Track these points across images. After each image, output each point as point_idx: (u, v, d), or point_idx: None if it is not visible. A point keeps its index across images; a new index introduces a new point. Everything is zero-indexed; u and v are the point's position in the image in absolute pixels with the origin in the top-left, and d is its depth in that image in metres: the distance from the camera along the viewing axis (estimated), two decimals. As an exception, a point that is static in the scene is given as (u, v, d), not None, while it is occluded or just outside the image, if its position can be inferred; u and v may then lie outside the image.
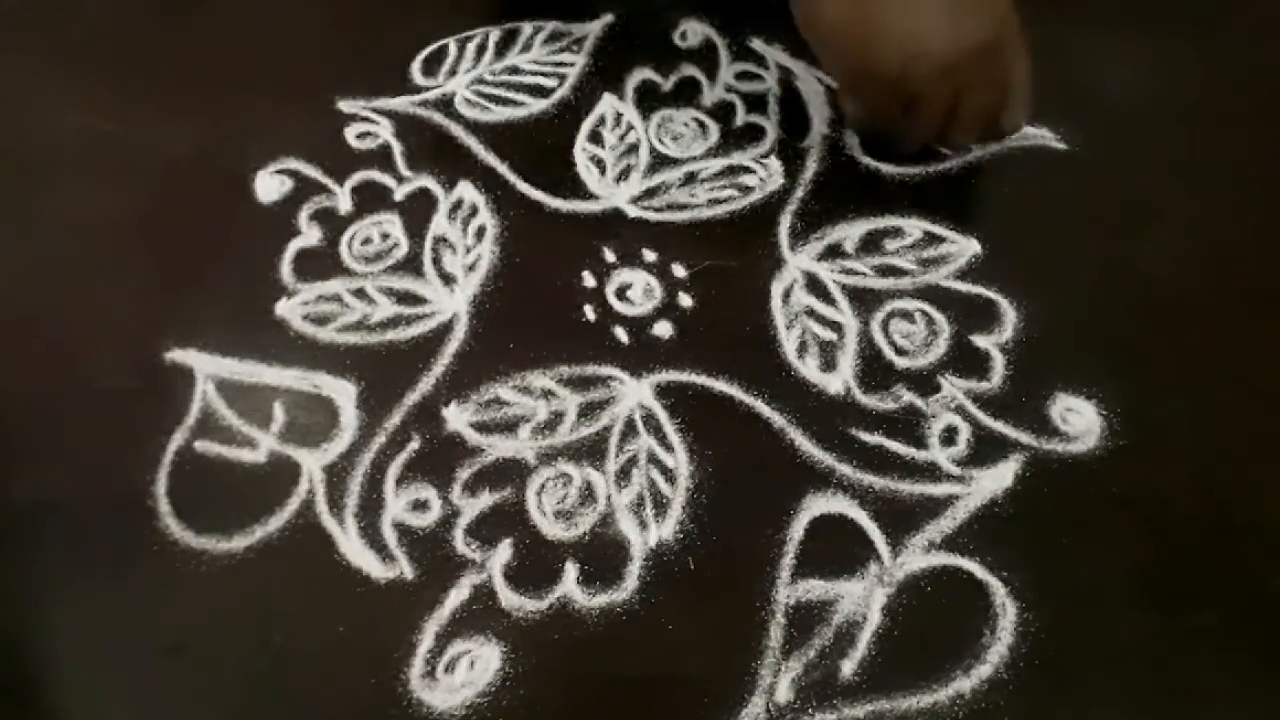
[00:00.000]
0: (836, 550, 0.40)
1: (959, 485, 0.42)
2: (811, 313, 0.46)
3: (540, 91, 0.54)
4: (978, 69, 0.44)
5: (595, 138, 0.52)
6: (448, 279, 0.48)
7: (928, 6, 0.43)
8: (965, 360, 0.45)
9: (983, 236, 0.48)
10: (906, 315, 0.46)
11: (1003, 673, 0.37)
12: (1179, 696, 0.38)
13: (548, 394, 0.44)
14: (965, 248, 0.48)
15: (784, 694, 0.37)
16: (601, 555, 0.40)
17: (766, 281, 0.47)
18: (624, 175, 0.51)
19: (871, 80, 0.45)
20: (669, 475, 0.42)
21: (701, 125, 0.53)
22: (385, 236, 0.49)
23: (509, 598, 0.39)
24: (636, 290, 0.47)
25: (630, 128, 0.53)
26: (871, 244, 0.48)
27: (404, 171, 0.51)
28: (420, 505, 0.41)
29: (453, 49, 0.56)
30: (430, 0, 0.58)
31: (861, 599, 0.39)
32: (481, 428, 0.43)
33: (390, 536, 0.41)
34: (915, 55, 0.43)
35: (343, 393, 0.44)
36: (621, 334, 0.46)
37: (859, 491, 0.41)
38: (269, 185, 0.50)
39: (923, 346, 0.45)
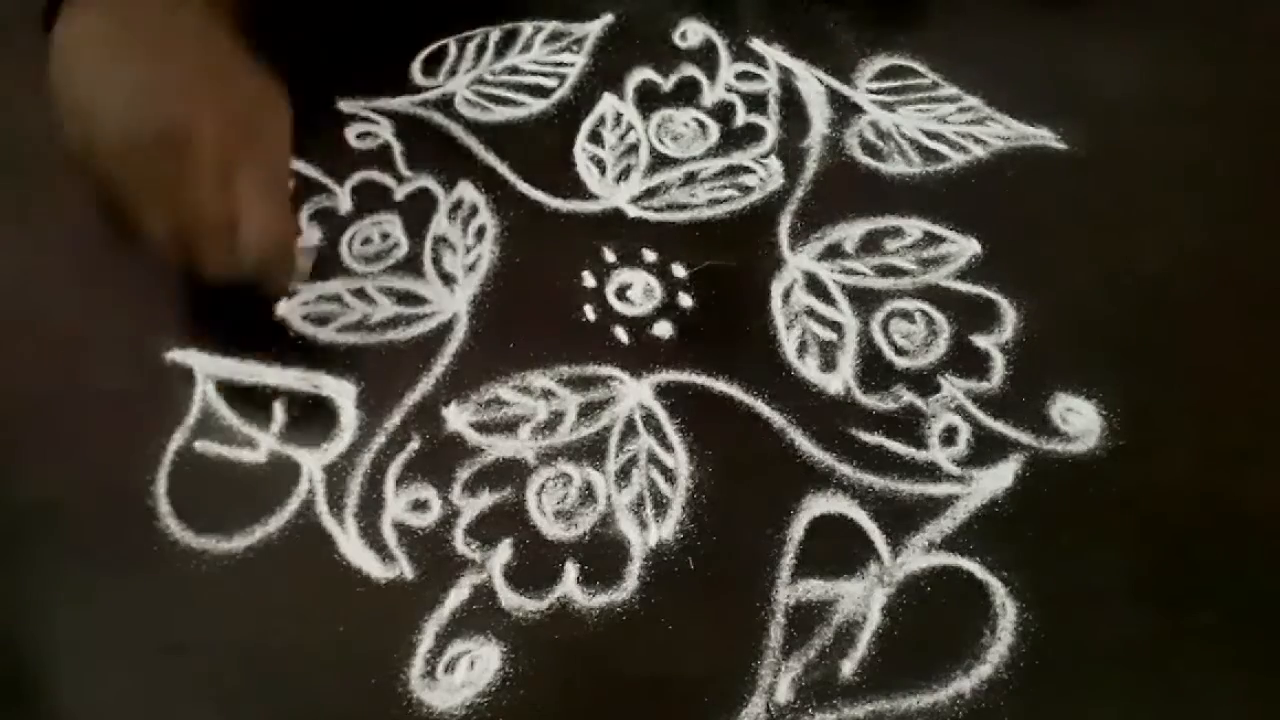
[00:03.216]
0: (836, 550, 0.40)
1: (959, 485, 0.42)
2: (811, 313, 0.46)
3: (540, 91, 0.54)
4: (154, 167, 0.37)
5: (595, 138, 0.52)
6: (448, 279, 0.48)
7: (117, 80, 0.38)
8: (965, 360, 0.45)
9: (983, 236, 0.48)
10: (906, 315, 0.46)
11: (1003, 673, 0.37)
12: (1179, 696, 0.38)
13: (548, 394, 0.44)
14: (965, 248, 0.48)
15: (784, 694, 0.37)
16: (601, 555, 0.40)
17: (766, 281, 0.47)
18: (624, 175, 0.51)
19: (68, 153, 0.39)
20: (669, 475, 0.42)
21: (701, 125, 0.53)
22: (385, 236, 0.49)
23: (509, 598, 0.39)
24: (636, 290, 0.47)
25: (630, 128, 0.53)
26: (871, 244, 0.48)
27: (404, 171, 0.51)
28: (420, 505, 0.41)
29: (453, 49, 0.56)
30: (430, 0, 0.58)
31: (861, 599, 0.39)
32: (481, 428, 0.43)
33: (390, 536, 0.41)
34: (89, 132, 0.38)
35: (343, 393, 0.44)
36: (621, 334, 0.46)
37: (859, 491, 0.41)
38: (269, 185, 0.50)
39: (923, 346, 0.45)
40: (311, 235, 0.48)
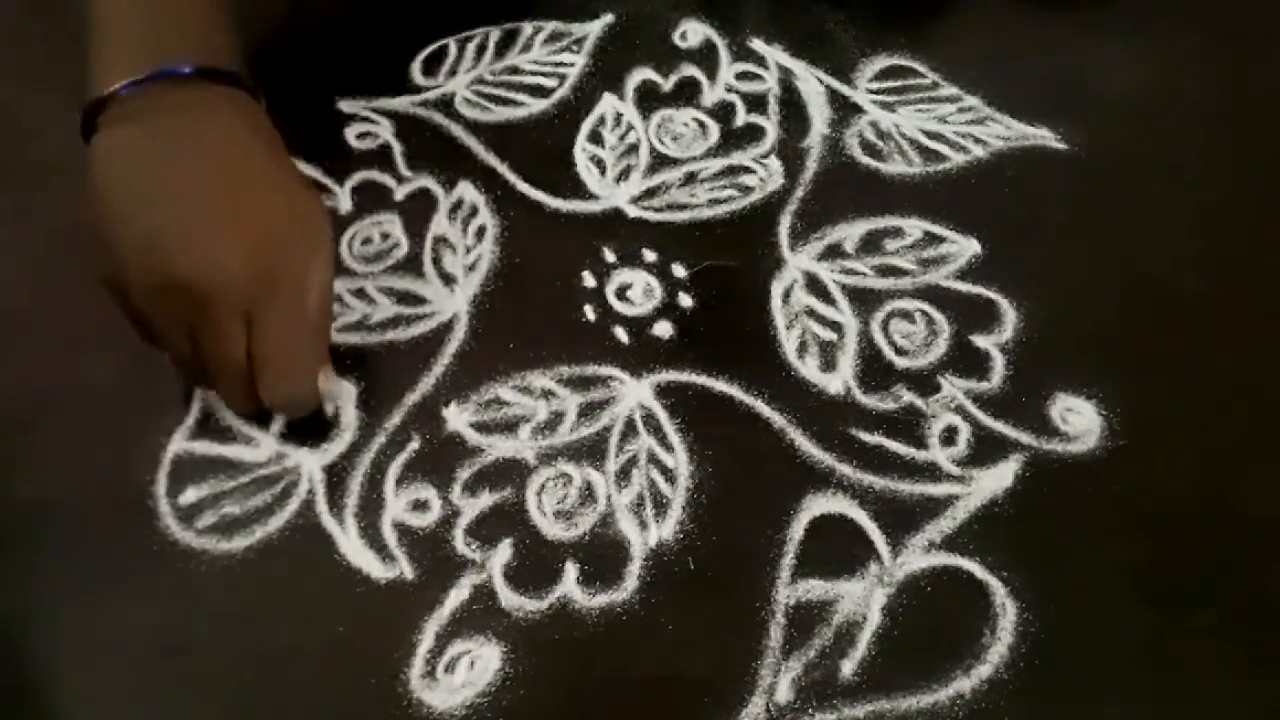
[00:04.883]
0: (836, 550, 0.40)
1: (959, 485, 0.42)
2: (811, 313, 0.46)
3: (540, 91, 0.54)
4: (175, 308, 0.38)
5: (595, 138, 0.52)
6: (448, 279, 0.48)
7: (144, 218, 0.38)
8: (965, 360, 0.45)
9: (983, 236, 0.48)
10: (906, 315, 0.46)
11: (1003, 673, 0.37)
12: (1179, 696, 0.38)
13: (548, 394, 0.44)
14: (965, 248, 0.48)
15: (784, 694, 0.37)
16: (601, 555, 0.40)
17: (766, 281, 0.47)
18: (624, 175, 0.51)
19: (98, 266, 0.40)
20: (669, 475, 0.42)
21: (701, 125, 0.53)
22: (385, 236, 0.49)
23: (509, 598, 0.39)
24: (636, 290, 0.47)
25: (630, 128, 0.53)
26: (871, 244, 0.49)
27: (404, 171, 0.51)
28: (420, 505, 0.41)
29: (453, 49, 0.56)
30: (430, 0, 0.58)
31: (861, 599, 0.39)
32: (481, 428, 0.43)
33: (390, 536, 0.41)
34: (116, 259, 0.39)
35: (343, 393, 0.44)
36: (621, 334, 0.46)
37: (859, 491, 0.41)
38: (269, 185, 0.50)
39: (923, 346, 0.45)
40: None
